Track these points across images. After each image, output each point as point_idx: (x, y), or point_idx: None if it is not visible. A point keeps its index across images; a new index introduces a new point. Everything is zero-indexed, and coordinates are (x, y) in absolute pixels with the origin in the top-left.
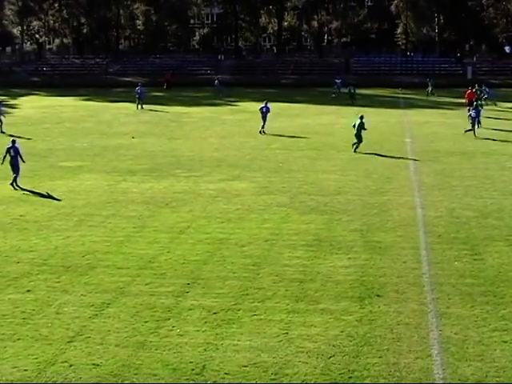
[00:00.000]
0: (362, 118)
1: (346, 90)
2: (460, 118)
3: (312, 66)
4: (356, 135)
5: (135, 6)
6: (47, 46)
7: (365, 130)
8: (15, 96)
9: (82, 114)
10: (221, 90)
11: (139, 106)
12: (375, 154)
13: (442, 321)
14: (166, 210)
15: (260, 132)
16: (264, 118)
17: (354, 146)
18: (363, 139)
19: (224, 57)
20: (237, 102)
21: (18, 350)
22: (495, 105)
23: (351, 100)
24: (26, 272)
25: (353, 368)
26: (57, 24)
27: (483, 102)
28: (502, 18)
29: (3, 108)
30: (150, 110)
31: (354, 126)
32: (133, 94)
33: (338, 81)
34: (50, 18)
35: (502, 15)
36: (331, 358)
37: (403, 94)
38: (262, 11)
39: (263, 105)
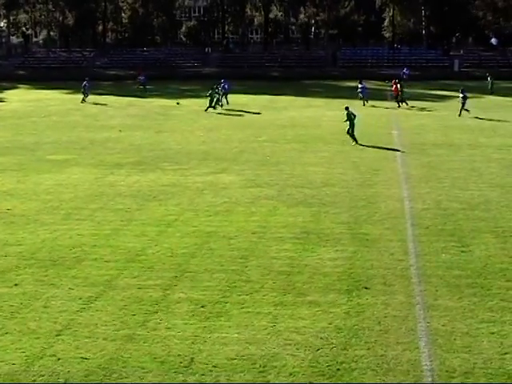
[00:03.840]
0: (347, 108)
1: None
2: (447, 110)
3: (299, 58)
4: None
5: None
6: (34, 39)
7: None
8: (2, 89)
9: (68, 107)
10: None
11: (84, 99)
12: (363, 147)
13: (429, 313)
14: (154, 203)
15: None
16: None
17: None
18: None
19: (211, 49)
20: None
21: (5, 344)
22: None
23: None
24: (14, 266)
25: (341, 360)
26: (43, 17)
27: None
28: (488, 10)
29: None
30: (134, 103)
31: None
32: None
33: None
34: (37, 10)
35: (489, 8)
36: (319, 351)
37: (390, 86)
38: (248, 4)
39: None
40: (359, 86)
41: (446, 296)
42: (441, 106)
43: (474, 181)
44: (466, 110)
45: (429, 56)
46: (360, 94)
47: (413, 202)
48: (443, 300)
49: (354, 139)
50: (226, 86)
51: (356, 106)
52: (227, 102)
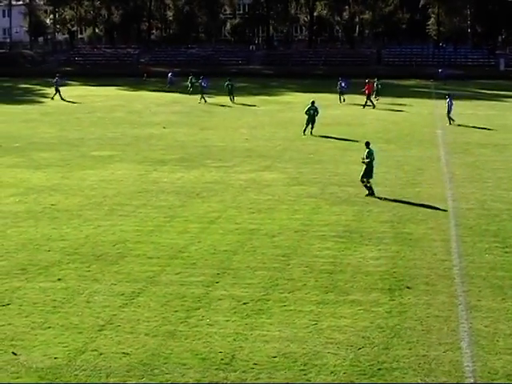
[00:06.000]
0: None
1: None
2: (492, 109)
3: (344, 56)
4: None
5: None
6: (79, 36)
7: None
8: (48, 86)
9: (113, 103)
10: (172, 83)
11: (55, 96)
12: (407, 146)
13: (472, 313)
14: (197, 200)
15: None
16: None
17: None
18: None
19: (255, 47)
20: (268, 92)
21: (48, 338)
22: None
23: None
24: (57, 261)
25: (382, 360)
26: (89, 13)
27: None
28: None
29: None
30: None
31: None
32: (162, 84)
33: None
34: (83, 7)
35: None
36: (360, 350)
37: (435, 85)
38: (292, 2)
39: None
40: (340, 82)
41: (489, 297)
42: (485, 105)
43: None
44: (450, 118)
45: (474, 55)
46: (339, 90)
47: (457, 201)
48: (486, 301)
49: (304, 130)
50: (204, 84)
51: (381, 101)
52: (205, 101)
